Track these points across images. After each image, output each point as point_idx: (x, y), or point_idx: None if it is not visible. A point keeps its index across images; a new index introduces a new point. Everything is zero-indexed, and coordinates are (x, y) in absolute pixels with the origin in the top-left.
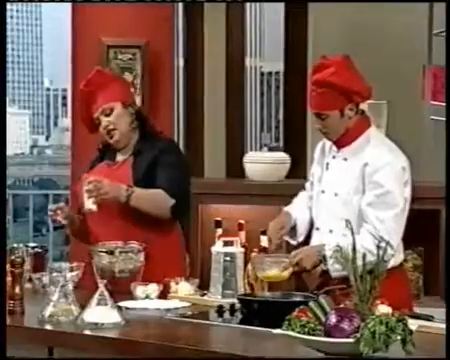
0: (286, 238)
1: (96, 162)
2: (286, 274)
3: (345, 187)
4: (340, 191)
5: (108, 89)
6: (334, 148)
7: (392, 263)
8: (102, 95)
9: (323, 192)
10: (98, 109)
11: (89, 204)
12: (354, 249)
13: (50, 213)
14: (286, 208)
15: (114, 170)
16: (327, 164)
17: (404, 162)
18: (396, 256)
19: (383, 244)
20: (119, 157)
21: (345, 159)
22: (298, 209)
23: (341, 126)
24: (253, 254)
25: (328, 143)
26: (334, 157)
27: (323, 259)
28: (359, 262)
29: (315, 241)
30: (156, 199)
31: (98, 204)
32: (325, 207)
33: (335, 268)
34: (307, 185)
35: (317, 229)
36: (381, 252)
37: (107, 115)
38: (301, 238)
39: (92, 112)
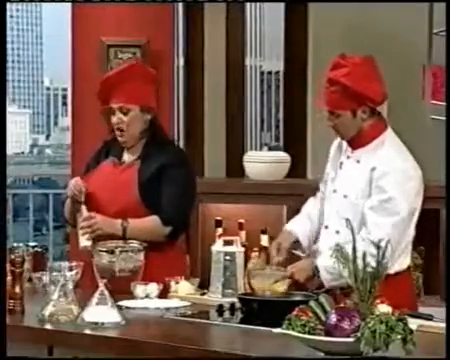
0: (296, 252)
1: (102, 157)
2: (281, 287)
3: (354, 190)
4: (349, 193)
5: (134, 88)
6: (349, 148)
7: (397, 267)
8: (125, 92)
9: (335, 191)
10: (117, 103)
11: (83, 241)
12: (354, 249)
13: (74, 191)
14: (288, 224)
15: (120, 171)
16: (341, 163)
17: (413, 170)
18: (402, 261)
19: (383, 244)
20: (126, 156)
21: (358, 161)
22: (300, 223)
23: (353, 126)
24: (250, 263)
25: (345, 142)
26: (348, 157)
27: (315, 270)
28: (359, 262)
29: (323, 239)
30: (151, 230)
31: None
32: (334, 207)
33: (327, 279)
34: (320, 185)
35: (326, 227)
36: (381, 252)
37: (123, 113)
38: (309, 251)
39: (109, 99)
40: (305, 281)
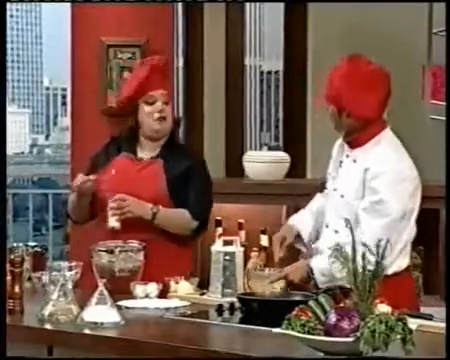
0: (300, 248)
1: (113, 152)
2: (276, 288)
3: (350, 190)
4: (346, 193)
5: (169, 83)
6: (348, 147)
7: (395, 268)
8: (167, 84)
9: (335, 190)
10: (159, 91)
11: (112, 221)
12: (354, 249)
13: (78, 183)
14: (291, 219)
15: (142, 167)
16: (341, 162)
17: (409, 170)
18: (400, 262)
19: (382, 244)
20: (143, 154)
21: (354, 161)
22: (303, 219)
23: (339, 123)
24: (250, 263)
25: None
26: (347, 156)
27: (310, 271)
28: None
29: (324, 238)
30: (180, 221)
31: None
32: (333, 206)
33: (321, 280)
34: (327, 185)
35: (327, 226)
36: (381, 251)
37: (165, 103)
38: (310, 247)
39: (148, 88)
40: (299, 282)
